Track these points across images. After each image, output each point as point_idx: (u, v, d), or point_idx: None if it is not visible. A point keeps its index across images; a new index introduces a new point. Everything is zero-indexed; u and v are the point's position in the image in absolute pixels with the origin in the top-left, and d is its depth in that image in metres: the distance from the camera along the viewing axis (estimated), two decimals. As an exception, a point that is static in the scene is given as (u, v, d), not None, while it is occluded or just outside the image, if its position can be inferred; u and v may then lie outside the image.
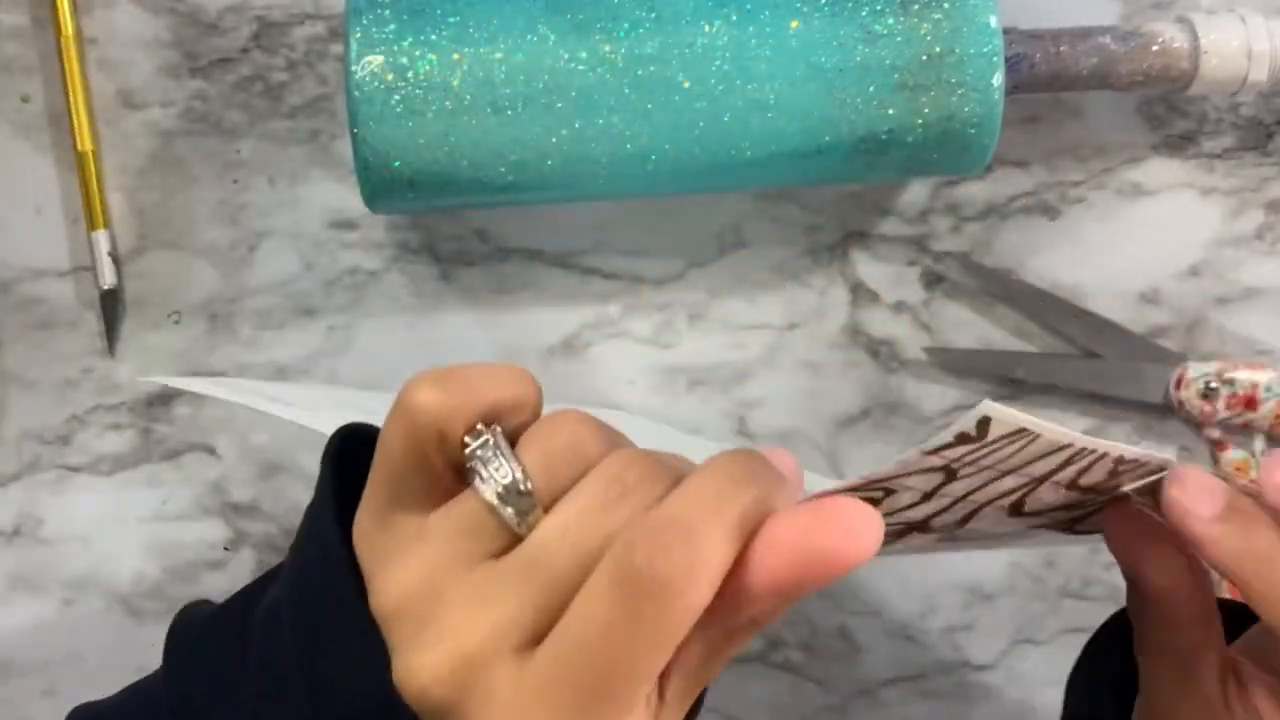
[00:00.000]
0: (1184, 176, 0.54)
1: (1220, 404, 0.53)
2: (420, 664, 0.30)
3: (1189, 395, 0.53)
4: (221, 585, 0.56)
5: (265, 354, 0.55)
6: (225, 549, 0.56)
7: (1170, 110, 0.54)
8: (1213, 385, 0.53)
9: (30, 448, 0.55)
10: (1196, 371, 0.53)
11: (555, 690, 0.29)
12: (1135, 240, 0.54)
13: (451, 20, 0.46)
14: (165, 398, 0.55)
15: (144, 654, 0.56)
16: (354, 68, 0.45)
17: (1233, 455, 0.54)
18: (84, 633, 0.56)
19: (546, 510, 0.30)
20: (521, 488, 0.30)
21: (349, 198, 0.54)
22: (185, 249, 0.54)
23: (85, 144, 0.53)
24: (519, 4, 0.46)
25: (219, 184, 0.54)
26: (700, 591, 0.28)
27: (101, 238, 0.53)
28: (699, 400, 0.55)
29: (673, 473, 0.31)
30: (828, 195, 0.54)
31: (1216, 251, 0.54)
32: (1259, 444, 0.53)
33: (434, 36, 0.46)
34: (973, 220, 0.54)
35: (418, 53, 0.46)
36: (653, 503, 0.30)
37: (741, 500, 0.29)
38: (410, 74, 0.46)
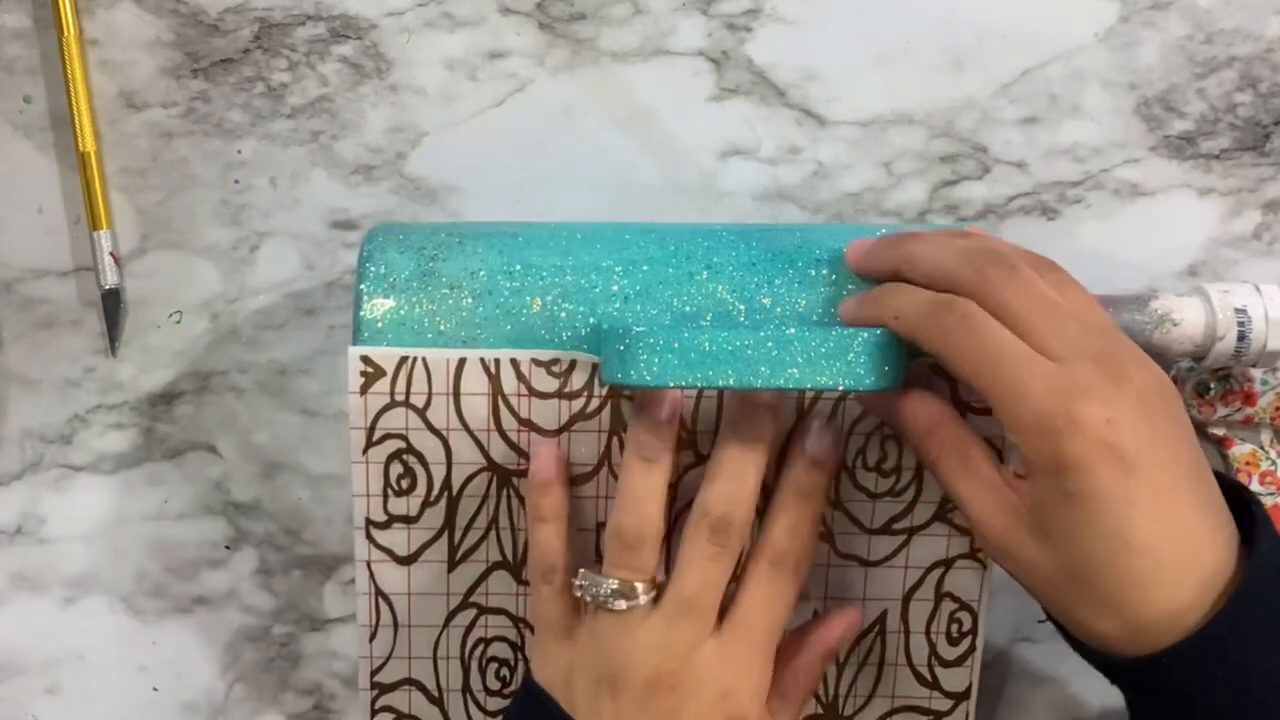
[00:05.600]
0: (1182, 177, 0.54)
1: (1218, 401, 0.53)
2: None
3: (1186, 395, 0.53)
4: (222, 584, 0.56)
5: (266, 354, 0.55)
6: (226, 548, 0.56)
7: (1168, 111, 0.54)
8: (1209, 384, 0.53)
9: (32, 447, 0.56)
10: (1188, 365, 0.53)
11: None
12: (1133, 241, 0.55)
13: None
14: (166, 397, 0.55)
15: (146, 653, 0.56)
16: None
17: (1240, 450, 0.54)
18: (86, 632, 0.57)
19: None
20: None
21: (349, 198, 0.54)
22: (186, 249, 0.54)
23: (87, 144, 0.53)
24: None
25: (220, 184, 0.54)
26: None
27: (103, 238, 0.53)
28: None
29: None
30: (826, 196, 0.54)
31: (1214, 252, 0.55)
32: (1265, 435, 0.53)
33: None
34: (971, 220, 0.54)
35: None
36: None
37: None
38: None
